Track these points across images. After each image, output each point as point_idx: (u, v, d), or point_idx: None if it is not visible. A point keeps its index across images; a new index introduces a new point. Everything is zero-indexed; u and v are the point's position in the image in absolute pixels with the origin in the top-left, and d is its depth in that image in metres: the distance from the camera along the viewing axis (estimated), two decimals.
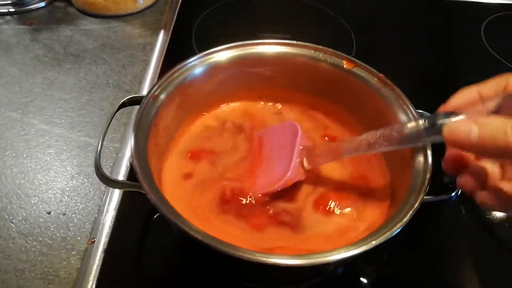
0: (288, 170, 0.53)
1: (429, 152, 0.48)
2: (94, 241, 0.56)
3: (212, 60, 0.58)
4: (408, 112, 0.53)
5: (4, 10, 0.91)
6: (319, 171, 0.57)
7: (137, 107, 0.51)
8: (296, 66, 0.61)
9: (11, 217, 0.59)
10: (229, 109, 0.64)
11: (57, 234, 0.58)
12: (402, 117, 0.53)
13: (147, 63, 0.82)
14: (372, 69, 0.58)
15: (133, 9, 0.94)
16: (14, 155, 0.66)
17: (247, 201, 0.53)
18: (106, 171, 0.50)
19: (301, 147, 0.55)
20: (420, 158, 0.49)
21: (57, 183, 0.63)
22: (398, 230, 0.42)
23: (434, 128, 0.43)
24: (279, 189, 0.54)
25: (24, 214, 0.59)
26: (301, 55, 0.60)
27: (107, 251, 0.55)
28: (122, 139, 0.68)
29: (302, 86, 0.62)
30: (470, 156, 0.45)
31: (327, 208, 0.54)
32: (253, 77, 0.62)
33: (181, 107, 0.57)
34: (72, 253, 0.56)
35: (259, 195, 0.54)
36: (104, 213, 0.59)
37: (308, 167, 0.55)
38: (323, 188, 0.56)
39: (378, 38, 0.92)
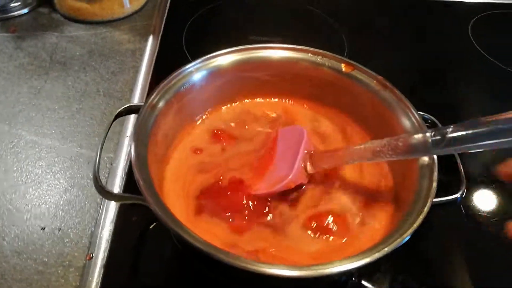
0: (291, 172, 0.53)
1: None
2: (92, 256, 0.54)
3: (211, 65, 0.57)
4: (411, 115, 0.53)
5: None
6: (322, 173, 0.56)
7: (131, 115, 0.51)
8: (294, 70, 0.60)
9: (3, 235, 0.56)
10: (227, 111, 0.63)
11: (53, 251, 0.55)
12: (405, 121, 0.53)
13: (137, 69, 0.80)
14: (371, 71, 0.58)
15: (120, 14, 0.92)
16: (3, 169, 0.63)
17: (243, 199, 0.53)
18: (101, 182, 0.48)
19: (306, 152, 0.55)
20: (425, 159, 0.49)
21: (50, 197, 0.61)
22: (409, 236, 0.42)
23: (443, 142, 0.43)
24: (279, 191, 0.53)
25: (17, 231, 0.57)
26: (300, 59, 0.59)
27: (106, 266, 0.53)
28: (116, 149, 0.66)
29: (301, 90, 0.62)
30: None
31: (316, 228, 0.51)
32: (251, 82, 0.61)
33: (179, 114, 0.56)
34: (70, 269, 0.54)
35: (257, 193, 0.53)
36: (101, 226, 0.57)
37: (311, 171, 0.55)
38: (321, 198, 0.54)
39: (369, 39, 0.92)
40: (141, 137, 0.48)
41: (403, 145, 0.47)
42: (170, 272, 0.56)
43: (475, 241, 0.59)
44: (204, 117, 0.61)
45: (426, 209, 0.44)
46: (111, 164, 0.64)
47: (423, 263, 0.57)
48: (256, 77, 0.60)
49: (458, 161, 0.53)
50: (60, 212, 0.59)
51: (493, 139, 0.42)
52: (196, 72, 0.56)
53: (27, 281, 0.52)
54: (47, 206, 0.60)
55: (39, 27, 0.88)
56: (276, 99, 0.64)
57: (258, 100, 0.64)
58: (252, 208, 0.52)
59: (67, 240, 0.56)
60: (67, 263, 0.54)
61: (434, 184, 0.46)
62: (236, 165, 0.57)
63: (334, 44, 0.88)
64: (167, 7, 0.95)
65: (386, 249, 0.41)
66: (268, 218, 0.52)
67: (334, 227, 0.50)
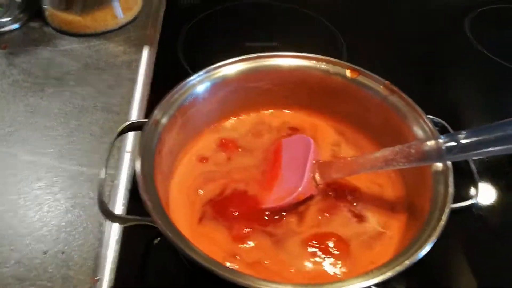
0: (300, 184, 0.52)
1: None
2: (99, 278, 0.52)
3: (214, 76, 0.56)
4: (421, 121, 0.51)
5: None
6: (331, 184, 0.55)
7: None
8: (298, 78, 0.59)
9: (3, 261, 0.54)
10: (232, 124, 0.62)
11: (57, 275, 0.53)
12: (415, 127, 0.52)
13: (134, 81, 0.78)
14: (376, 76, 0.57)
15: (114, 25, 0.90)
16: (0, 192, 0.61)
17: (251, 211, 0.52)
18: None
19: (314, 162, 0.53)
20: (439, 165, 0.48)
21: (51, 219, 0.59)
22: (430, 246, 0.40)
23: (456, 148, 0.42)
24: (289, 204, 0.51)
25: (17, 256, 0.55)
26: (304, 67, 0.58)
27: None
28: (117, 165, 0.64)
29: (305, 99, 0.60)
30: None
31: (316, 247, 0.49)
32: (255, 92, 0.59)
33: (183, 129, 0.54)
34: None
35: (266, 207, 0.52)
36: (105, 246, 0.55)
37: (320, 182, 0.54)
38: (326, 213, 0.53)
39: (366, 40, 0.91)
40: (146, 156, 0.47)
41: (416, 152, 0.46)
42: (176, 285, 0.54)
43: (490, 246, 0.58)
44: (210, 128, 0.60)
45: (445, 217, 0.42)
46: (112, 181, 0.62)
47: (439, 271, 0.55)
48: (260, 87, 0.59)
49: (472, 165, 0.52)
50: (63, 234, 0.57)
51: (507, 144, 0.41)
52: (199, 84, 0.55)
53: None
54: (48, 228, 0.58)
55: (31, 42, 0.86)
56: (280, 109, 0.62)
57: (263, 111, 0.62)
58: (259, 221, 0.51)
59: (71, 263, 0.54)
60: (72, 287, 0.52)
61: (451, 190, 0.45)
62: (242, 175, 0.56)
63: (332, 47, 0.87)
64: (161, 16, 0.94)
65: (407, 262, 0.39)
66: (273, 230, 0.50)
67: (335, 251, 0.48)
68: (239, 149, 0.59)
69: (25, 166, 0.64)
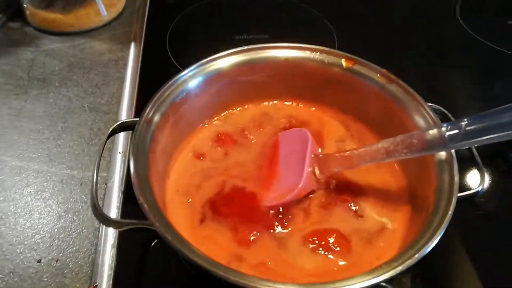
0: (300, 180, 0.50)
1: None
2: (96, 285, 0.51)
3: (206, 71, 0.54)
4: (421, 109, 0.50)
5: None
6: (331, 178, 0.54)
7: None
8: (294, 70, 0.58)
9: None
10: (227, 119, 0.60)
11: (52, 284, 0.51)
12: (416, 116, 0.51)
13: (122, 80, 0.76)
14: (373, 64, 0.55)
15: (98, 23, 0.87)
16: None
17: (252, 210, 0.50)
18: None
19: (313, 156, 0.52)
20: (442, 154, 0.47)
21: (44, 226, 0.56)
22: (439, 237, 0.39)
23: (459, 136, 0.41)
24: (290, 201, 0.50)
25: (10, 266, 0.53)
26: (299, 58, 0.57)
27: None
28: (109, 167, 0.62)
29: (302, 91, 0.59)
30: None
31: (317, 245, 0.48)
32: (248, 85, 0.58)
33: (176, 127, 0.52)
34: None
35: (268, 204, 0.50)
36: (101, 252, 0.53)
37: (320, 176, 0.52)
38: (327, 209, 0.51)
39: (359, 29, 0.90)
40: (140, 158, 0.45)
41: (418, 142, 0.45)
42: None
43: (491, 233, 0.58)
44: (204, 124, 0.58)
45: (452, 207, 0.41)
46: (106, 184, 0.60)
47: (440, 260, 0.54)
48: (254, 80, 0.57)
49: (475, 152, 0.51)
50: (56, 241, 0.55)
51: (510, 129, 0.40)
52: (191, 79, 0.53)
53: None
54: (41, 236, 0.56)
55: (11, 43, 0.83)
56: (276, 101, 0.61)
57: (258, 103, 0.61)
58: (260, 219, 0.49)
59: (66, 271, 0.53)
60: None
61: (456, 179, 0.44)
62: (240, 171, 0.54)
63: (323, 38, 0.85)
64: (146, 12, 0.91)
65: (416, 255, 0.38)
66: (275, 229, 0.49)
67: (336, 248, 0.47)
68: (236, 144, 0.57)
69: (13, 172, 0.62)
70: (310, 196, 0.52)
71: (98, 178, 0.59)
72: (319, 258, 0.46)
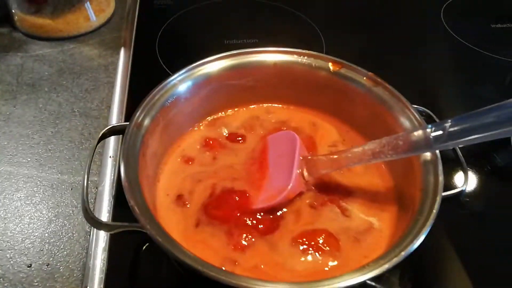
0: (289, 182, 0.51)
1: None
2: None
3: (195, 75, 0.54)
4: (407, 111, 0.51)
5: None
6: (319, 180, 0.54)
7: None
8: (281, 74, 0.58)
9: None
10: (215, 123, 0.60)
11: None
12: (401, 117, 0.52)
13: (112, 85, 0.76)
14: (359, 68, 0.56)
15: (87, 28, 0.87)
16: None
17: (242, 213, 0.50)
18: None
19: (301, 158, 0.53)
20: (427, 155, 0.48)
21: (34, 231, 0.56)
22: (425, 235, 0.40)
23: (444, 137, 0.42)
24: (280, 203, 0.51)
25: (0, 271, 0.52)
26: (287, 62, 0.57)
27: None
28: (99, 171, 0.62)
29: (290, 94, 0.60)
30: None
31: (307, 245, 0.48)
32: (237, 89, 0.58)
33: (166, 130, 0.53)
34: None
35: (257, 207, 0.50)
36: (92, 256, 0.53)
37: (308, 178, 0.53)
38: (316, 210, 0.52)
39: (346, 34, 0.91)
40: (130, 161, 0.45)
41: (403, 143, 0.46)
42: None
43: (477, 231, 0.59)
44: (194, 128, 0.59)
45: (437, 206, 0.42)
46: (96, 188, 0.60)
47: (428, 258, 0.55)
48: (243, 84, 0.58)
49: (459, 153, 0.52)
50: (47, 246, 0.55)
51: (493, 130, 0.42)
52: (180, 84, 0.53)
53: None
54: (31, 240, 0.56)
55: (0, 49, 0.83)
56: (266, 105, 0.62)
57: (248, 107, 0.61)
58: (252, 222, 0.50)
59: (57, 275, 0.53)
60: None
61: (441, 179, 0.45)
62: (230, 174, 0.55)
63: (311, 42, 0.86)
64: (136, 17, 0.91)
65: (403, 253, 0.39)
66: (266, 232, 0.49)
67: (326, 247, 0.48)
68: (225, 148, 0.58)
69: (3, 178, 0.62)
70: (299, 197, 0.53)
71: (89, 182, 0.60)
72: (310, 259, 0.47)
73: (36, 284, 0.52)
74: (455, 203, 0.60)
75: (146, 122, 0.50)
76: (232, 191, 0.52)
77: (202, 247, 0.47)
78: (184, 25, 0.91)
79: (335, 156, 0.51)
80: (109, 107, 0.72)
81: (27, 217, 0.58)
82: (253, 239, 0.48)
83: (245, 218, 0.49)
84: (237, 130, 0.60)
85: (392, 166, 0.54)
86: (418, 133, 0.45)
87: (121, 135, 0.50)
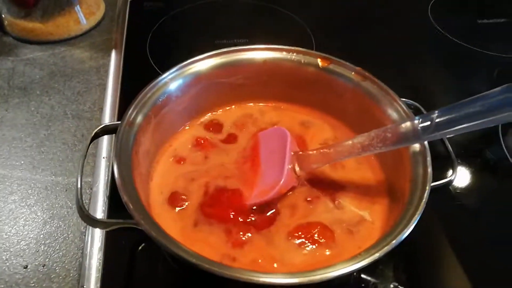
0: (281, 178, 0.51)
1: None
2: None
3: (186, 73, 0.55)
4: (395, 103, 0.52)
5: None
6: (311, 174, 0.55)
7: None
8: (271, 71, 0.59)
9: None
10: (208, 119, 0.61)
11: None
12: (390, 110, 0.53)
13: (104, 86, 0.76)
14: (348, 63, 0.57)
15: (78, 31, 0.88)
16: None
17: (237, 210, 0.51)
18: None
19: (292, 153, 0.53)
20: (416, 146, 0.49)
21: (29, 232, 0.57)
22: (414, 224, 0.41)
23: (431, 128, 0.43)
24: (272, 198, 0.51)
25: None
26: (276, 59, 0.58)
27: None
28: (93, 172, 0.63)
29: (279, 91, 0.60)
30: None
31: (303, 238, 0.49)
32: (228, 87, 0.59)
33: (158, 129, 0.53)
34: None
35: (250, 204, 0.51)
36: (88, 256, 0.54)
37: (300, 173, 0.54)
38: (309, 204, 0.53)
39: (334, 31, 0.92)
40: (123, 158, 0.46)
41: (392, 135, 0.47)
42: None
43: (468, 222, 0.60)
44: (185, 127, 0.59)
45: (426, 195, 0.43)
46: (91, 188, 0.61)
47: (422, 249, 0.56)
48: (233, 82, 0.59)
49: (447, 143, 0.53)
50: (42, 247, 0.55)
51: (479, 119, 0.43)
52: (171, 82, 0.54)
53: None
54: (26, 242, 0.56)
55: None
56: (254, 103, 0.62)
57: (236, 105, 0.62)
58: (248, 218, 0.50)
59: (53, 275, 0.53)
60: None
61: (430, 170, 0.46)
62: (222, 172, 0.55)
63: (301, 40, 0.87)
64: (126, 20, 0.92)
65: (393, 241, 0.40)
66: (262, 227, 0.50)
67: (321, 239, 0.49)
68: (215, 147, 0.58)
69: None
70: (292, 192, 0.53)
71: (83, 183, 0.60)
72: (307, 252, 0.48)
73: (33, 285, 0.52)
74: (447, 196, 0.62)
75: (138, 120, 0.50)
76: (225, 189, 0.53)
77: (201, 245, 0.47)
78: (174, 27, 0.91)
79: (325, 150, 0.52)
80: (101, 109, 0.72)
81: (22, 219, 0.58)
82: (249, 234, 0.49)
83: (241, 214, 0.50)
84: (228, 129, 0.60)
85: (382, 159, 0.55)
86: (406, 124, 0.46)
87: (114, 136, 0.51)
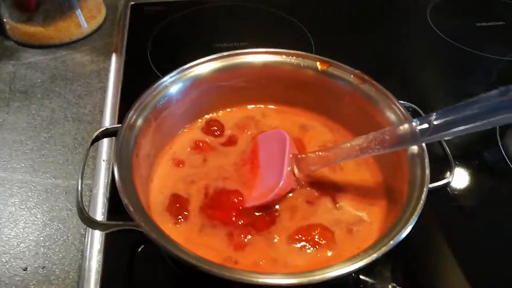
0: (280, 180, 0.52)
1: None
2: None
3: (187, 77, 0.55)
4: (393, 106, 0.53)
5: None
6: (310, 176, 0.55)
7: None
8: (270, 74, 0.59)
9: None
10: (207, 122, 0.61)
11: None
12: (388, 113, 0.53)
13: (104, 90, 0.77)
14: (347, 66, 0.58)
15: (79, 35, 0.88)
16: None
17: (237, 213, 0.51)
18: None
19: (291, 155, 0.54)
20: (414, 148, 0.49)
21: (29, 235, 0.57)
22: (412, 225, 0.41)
23: (429, 130, 0.43)
24: (272, 200, 0.51)
25: None
26: (275, 62, 0.59)
27: None
28: (93, 175, 0.63)
29: (278, 95, 0.61)
30: None
31: (303, 241, 0.49)
32: (227, 90, 0.59)
33: (158, 131, 0.54)
34: None
35: (249, 207, 0.51)
36: (88, 258, 0.54)
37: (299, 175, 0.54)
38: (309, 206, 0.53)
39: (333, 33, 0.93)
40: (123, 161, 0.46)
41: (390, 138, 0.47)
42: None
43: (465, 223, 0.60)
44: (184, 130, 0.59)
45: (424, 197, 0.44)
46: (91, 191, 0.61)
47: (420, 251, 0.56)
48: (233, 85, 0.59)
49: (445, 145, 0.54)
50: (42, 249, 0.56)
51: (477, 121, 0.43)
52: (171, 85, 0.54)
53: None
54: (26, 244, 0.56)
55: None
56: (254, 106, 0.63)
57: (236, 108, 0.62)
58: (248, 221, 0.51)
59: (53, 277, 0.53)
60: None
61: (427, 172, 0.46)
62: (221, 175, 0.55)
63: (301, 44, 0.88)
64: (127, 23, 0.92)
65: (391, 242, 0.40)
66: (262, 230, 0.50)
67: (322, 241, 0.49)
68: (214, 150, 0.58)
69: None
70: (291, 195, 0.54)
71: (83, 185, 0.61)
72: (308, 254, 0.48)
73: (32, 287, 0.52)
74: (445, 197, 0.62)
75: (139, 122, 0.50)
76: (225, 190, 0.53)
77: (204, 249, 0.47)
78: (174, 30, 0.92)
79: (324, 153, 0.52)
80: (102, 112, 0.72)
81: (22, 222, 0.58)
82: (249, 236, 0.49)
83: (241, 216, 0.50)
84: (227, 132, 0.61)
85: (381, 161, 0.55)
86: (404, 127, 0.46)
87: (114, 139, 0.51)
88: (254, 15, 0.97)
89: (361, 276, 0.52)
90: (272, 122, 0.62)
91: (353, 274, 0.52)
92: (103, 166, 0.64)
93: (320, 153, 0.53)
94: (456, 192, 0.62)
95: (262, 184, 0.53)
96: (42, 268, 0.54)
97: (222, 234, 0.49)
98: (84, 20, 0.89)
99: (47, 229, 0.58)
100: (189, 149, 0.58)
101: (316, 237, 0.49)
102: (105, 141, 0.67)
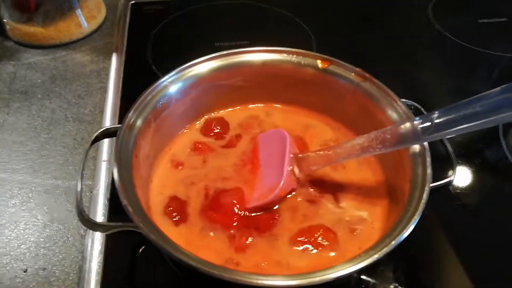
0: (280, 180, 0.51)
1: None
2: None
3: (186, 76, 0.55)
4: (395, 104, 0.52)
5: None
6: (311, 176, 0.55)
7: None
8: (271, 73, 0.59)
9: None
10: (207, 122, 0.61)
11: None
12: (390, 111, 0.52)
13: (105, 90, 0.77)
14: (348, 64, 0.57)
15: (79, 35, 0.88)
16: None
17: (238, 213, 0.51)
18: None
19: (292, 155, 0.53)
20: (416, 147, 0.48)
21: (29, 236, 0.57)
22: (415, 224, 0.41)
23: (431, 128, 0.43)
24: (272, 200, 0.51)
25: None
26: (276, 60, 0.58)
27: None
28: (94, 175, 0.63)
29: (279, 93, 0.60)
30: None
31: (305, 242, 0.48)
32: (227, 90, 0.59)
33: (158, 132, 0.53)
34: None
35: (250, 207, 0.51)
36: (88, 259, 0.54)
37: (299, 175, 0.54)
38: (310, 206, 0.52)
39: (336, 32, 0.92)
40: (123, 162, 0.46)
41: (391, 137, 0.46)
42: None
43: (468, 222, 0.60)
44: (184, 131, 0.59)
45: (425, 196, 0.43)
46: (91, 192, 0.61)
47: (422, 251, 0.56)
48: (233, 84, 0.58)
49: (447, 144, 0.53)
50: (42, 250, 0.55)
51: (479, 119, 0.42)
52: (171, 85, 0.54)
53: None
54: (26, 246, 0.56)
55: None
56: (254, 105, 0.62)
57: (236, 108, 0.62)
58: (249, 221, 0.50)
59: (53, 279, 0.53)
60: None
61: (429, 170, 0.45)
62: (220, 176, 0.55)
63: (302, 42, 0.87)
64: (127, 23, 0.92)
65: (393, 242, 0.40)
66: (264, 231, 0.50)
67: (325, 242, 0.48)
68: (214, 151, 0.58)
69: None
70: (292, 195, 0.53)
71: (84, 186, 0.60)
72: (311, 255, 0.47)
73: None
74: (447, 196, 0.61)
75: (138, 123, 0.50)
76: (225, 191, 0.53)
77: (205, 251, 0.47)
78: (174, 30, 0.92)
79: (325, 152, 0.52)
80: (102, 112, 0.72)
81: (22, 223, 0.58)
82: (250, 238, 0.48)
83: (241, 218, 0.50)
84: (227, 132, 0.60)
85: (383, 160, 0.55)
86: (406, 125, 0.46)
87: (114, 139, 0.51)
88: (255, 14, 0.97)
89: (363, 276, 0.51)
90: (276, 121, 0.62)
91: (355, 274, 0.51)
92: (103, 167, 0.64)
93: (320, 152, 0.52)
94: (459, 191, 0.62)
95: (262, 184, 0.53)
96: (43, 270, 0.54)
97: (223, 235, 0.48)
98: (84, 20, 0.89)
99: (48, 230, 0.57)
100: (188, 150, 0.58)
101: (319, 238, 0.48)
102: (106, 142, 0.66)
